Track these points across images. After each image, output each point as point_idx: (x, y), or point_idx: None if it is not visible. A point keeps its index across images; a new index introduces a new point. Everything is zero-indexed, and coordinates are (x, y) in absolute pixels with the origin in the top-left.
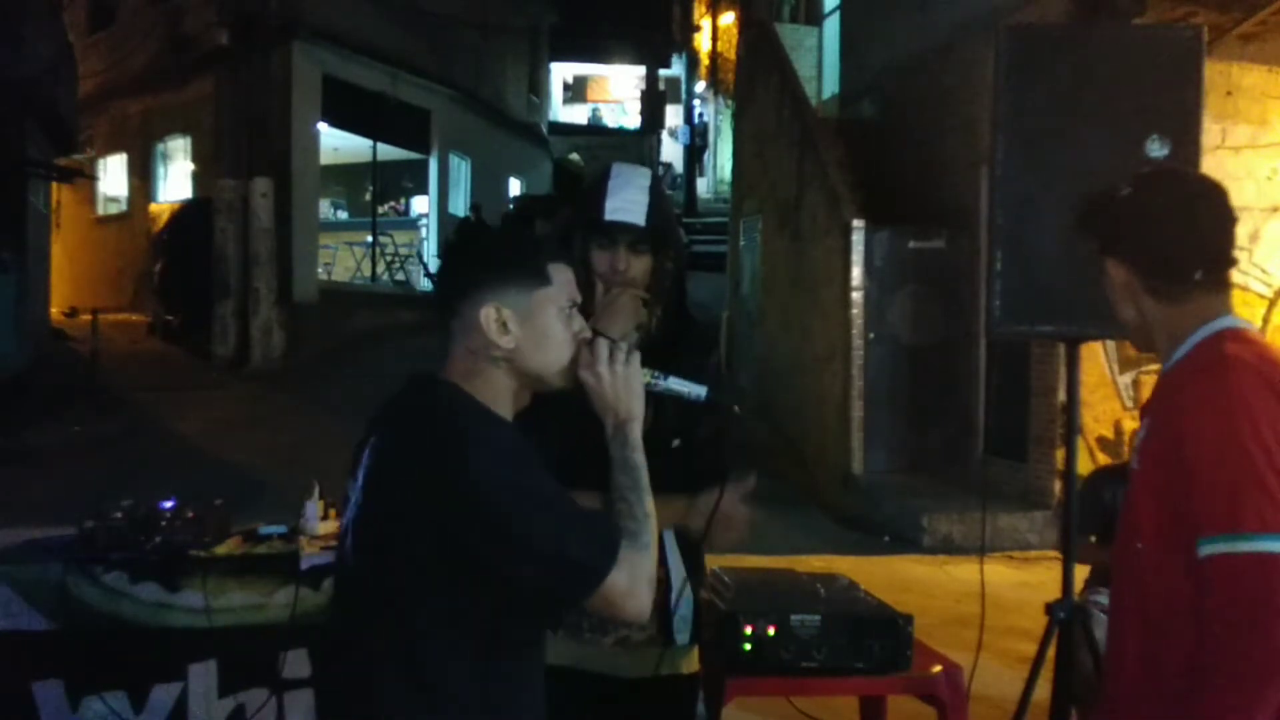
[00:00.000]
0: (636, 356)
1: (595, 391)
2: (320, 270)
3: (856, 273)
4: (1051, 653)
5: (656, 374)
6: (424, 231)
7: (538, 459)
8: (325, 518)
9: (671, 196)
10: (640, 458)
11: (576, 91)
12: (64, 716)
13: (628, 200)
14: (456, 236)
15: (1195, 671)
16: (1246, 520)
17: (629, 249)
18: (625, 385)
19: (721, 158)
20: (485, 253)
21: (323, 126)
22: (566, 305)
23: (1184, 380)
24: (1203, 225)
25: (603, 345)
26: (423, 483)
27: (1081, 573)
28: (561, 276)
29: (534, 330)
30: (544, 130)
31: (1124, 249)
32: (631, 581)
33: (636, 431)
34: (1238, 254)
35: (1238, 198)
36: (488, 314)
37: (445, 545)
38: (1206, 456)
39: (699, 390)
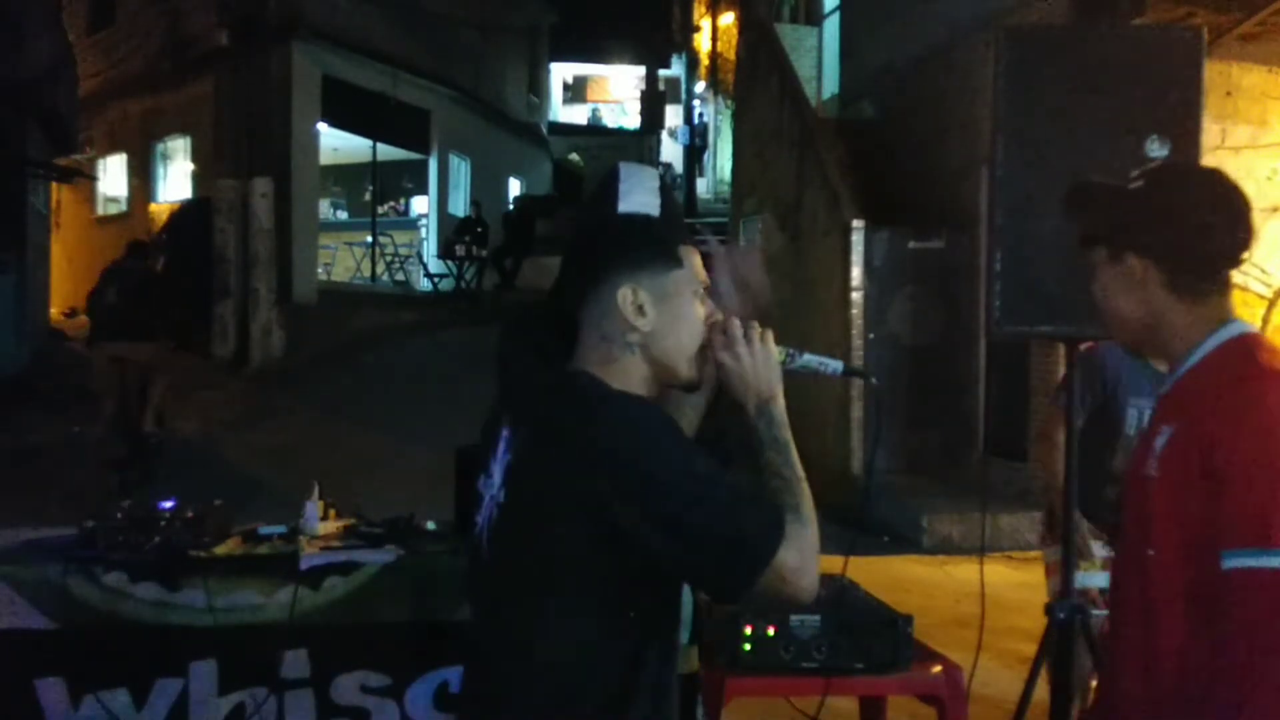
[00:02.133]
0: (770, 334)
1: (735, 373)
2: (320, 270)
3: (856, 273)
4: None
5: (791, 350)
6: (424, 231)
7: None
8: (325, 518)
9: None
10: (788, 434)
11: (576, 91)
12: (65, 713)
13: (639, 196)
14: (582, 224)
15: (1216, 683)
16: (1278, 535)
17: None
18: (765, 362)
19: (721, 158)
20: (618, 236)
21: (322, 126)
22: (699, 289)
23: (1212, 387)
24: (1239, 221)
25: (736, 324)
26: (582, 473)
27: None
28: (692, 259)
29: (670, 312)
30: (544, 130)
31: (1153, 242)
32: (802, 557)
33: (781, 408)
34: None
35: None
36: (624, 295)
37: (609, 535)
38: (1240, 469)
39: (836, 364)
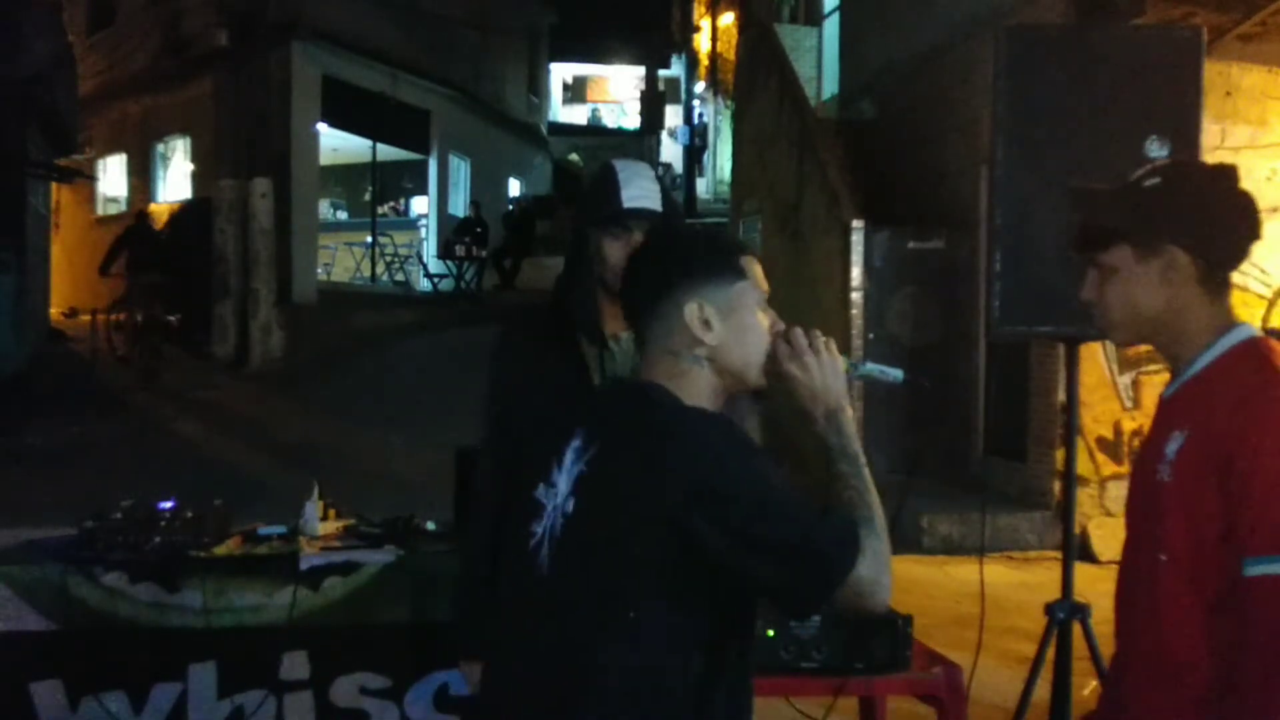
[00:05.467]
0: (833, 343)
1: (803, 383)
2: (320, 271)
3: (856, 273)
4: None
5: (854, 360)
6: (423, 232)
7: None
8: (325, 518)
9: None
10: (858, 445)
11: (576, 92)
12: (63, 716)
13: (641, 189)
14: (653, 239)
15: (1231, 689)
16: None
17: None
18: (833, 373)
19: (721, 158)
20: (683, 251)
21: (322, 127)
22: (762, 298)
23: (1227, 392)
24: (1255, 215)
25: (800, 334)
26: (658, 489)
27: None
28: (753, 270)
29: (736, 324)
30: (544, 131)
31: (1193, 233)
32: (877, 570)
33: (850, 418)
34: None
35: None
36: (691, 311)
37: (685, 549)
38: (1262, 476)
39: (896, 373)
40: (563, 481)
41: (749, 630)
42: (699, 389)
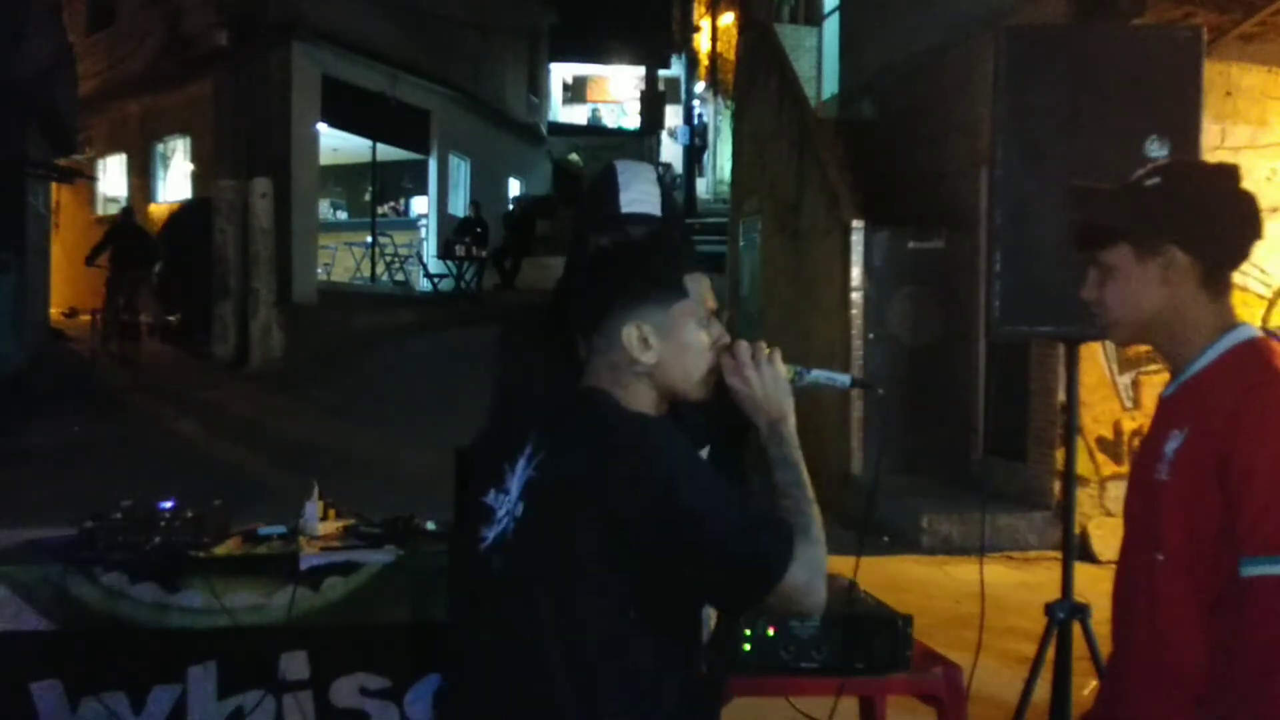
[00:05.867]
0: (778, 353)
1: (745, 396)
2: (320, 271)
3: (856, 273)
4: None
5: (799, 369)
6: (423, 232)
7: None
8: (325, 518)
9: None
10: (799, 454)
11: (576, 92)
12: (63, 717)
13: (641, 193)
14: (595, 257)
15: (1227, 689)
16: None
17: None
18: (774, 384)
19: (721, 158)
20: (623, 272)
21: (322, 127)
22: (704, 315)
23: (1226, 392)
24: (1256, 215)
25: (744, 348)
26: (601, 493)
27: (1082, 573)
28: (697, 287)
29: (675, 344)
30: (544, 130)
31: (1192, 234)
32: (810, 576)
33: (791, 428)
34: None
35: None
36: (629, 333)
37: (628, 551)
38: (1261, 476)
39: (844, 378)
40: (514, 486)
41: (695, 628)
42: (638, 400)
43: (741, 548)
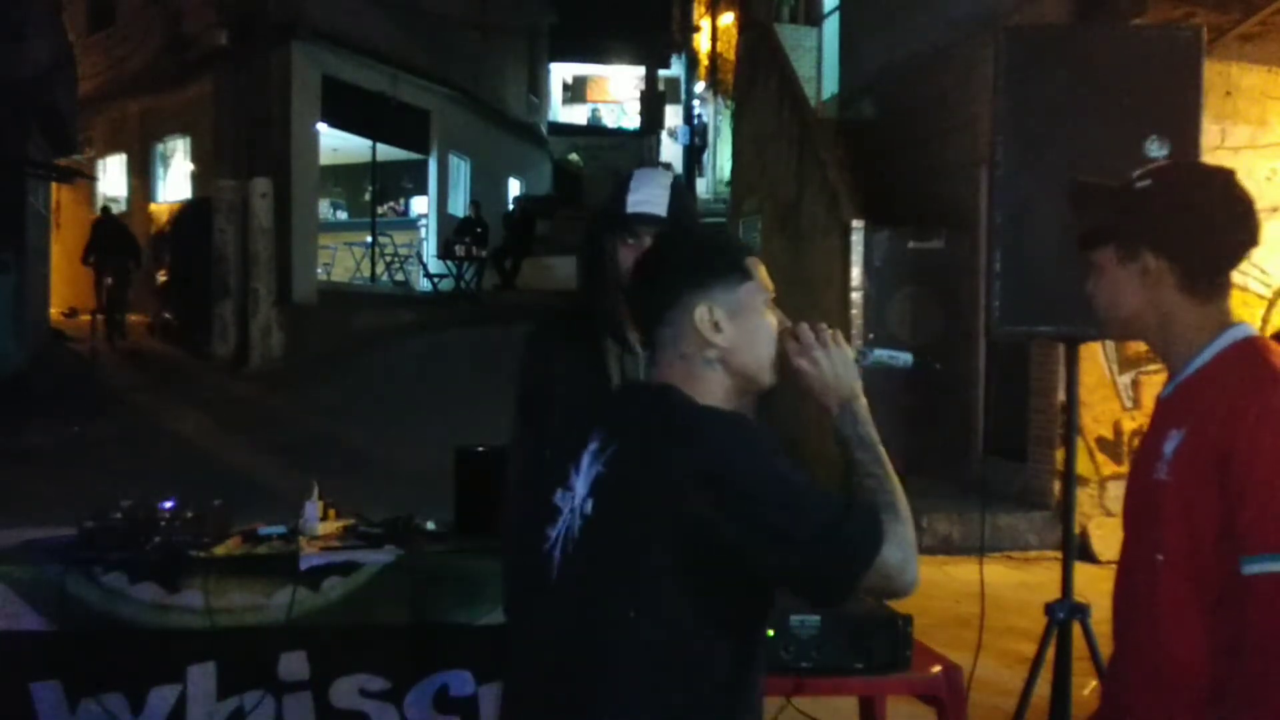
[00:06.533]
0: (840, 334)
1: (814, 377)
2: (320, 270)
3: (856, 273)
4: (1051, 653)
5: (863, 349)
6: (423, 232)
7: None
8: (325, 518)
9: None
10: (874, 431)
11: (576, 92)
12: (62, 718)
13: (649, 195)
14: (657, 244)
15: (1229, 687)
16: None
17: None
18: (843, 364)
19: (721, 158)
20: (689, 255)
21: (322, 127)
22: (768, 298)
23: (1224, 391)
24: (1248, 219)
25: (808, 330)
26: (680, 492)
27: (1082, 573)
28: (758, 270)
29: (745, 325)
30: (543, 130)
31: (1169, 240)
32: (905, 554)
33: (864, 406)
34: None
35: None
36: (701, 314)
37: (708, 550)
38: (1261, 474)
39: (906, 357)
40: (580, 484)
41: (764, 627)
42: (713, 390)
43: (835, 534)
